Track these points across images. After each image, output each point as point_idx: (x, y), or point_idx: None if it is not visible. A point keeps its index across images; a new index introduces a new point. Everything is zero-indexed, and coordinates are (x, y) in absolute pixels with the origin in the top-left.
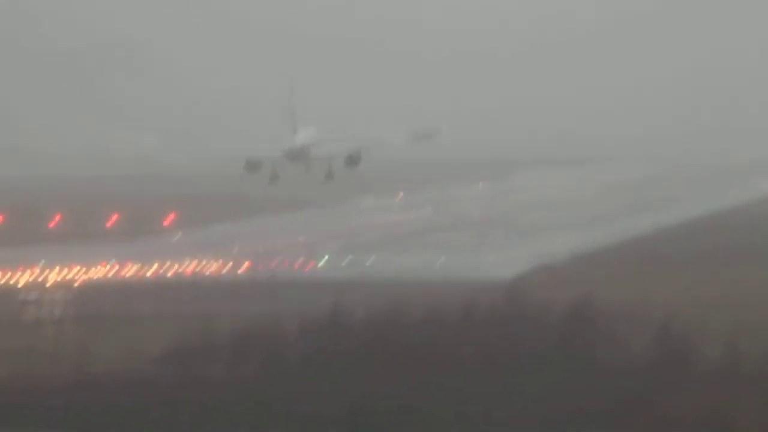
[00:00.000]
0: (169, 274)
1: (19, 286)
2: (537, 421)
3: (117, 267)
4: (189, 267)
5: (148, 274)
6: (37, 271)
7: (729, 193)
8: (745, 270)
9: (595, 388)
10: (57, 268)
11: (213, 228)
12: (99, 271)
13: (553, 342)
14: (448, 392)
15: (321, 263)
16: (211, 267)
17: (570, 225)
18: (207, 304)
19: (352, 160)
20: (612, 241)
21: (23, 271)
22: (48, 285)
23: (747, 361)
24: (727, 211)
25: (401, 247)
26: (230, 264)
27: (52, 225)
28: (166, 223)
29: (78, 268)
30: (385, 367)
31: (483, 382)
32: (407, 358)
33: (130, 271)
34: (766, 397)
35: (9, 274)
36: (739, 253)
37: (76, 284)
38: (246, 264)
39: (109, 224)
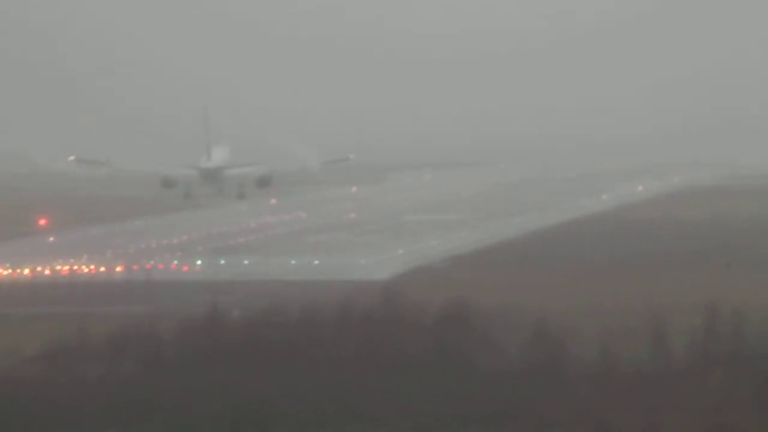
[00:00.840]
0: (45, 275)
1: None
2: (414, 423)
3: None
4: (65, 268)
5: (24, 274)
6: None
7: (601, 197)
8: (618, 273)
9: (471, 390)
10: None
11: (88, 229)
12: None
13: (429, 344)
14: (324, 393)
15: (197, 264)
16: (87, 268)
17: (446, 226)
18: (83, 305)
19: (263, 182)
20: (488, 243)
21: None
22: None
23: (622, 364)
24: (599, 214)
25: (277, 249)
26: (106, 265)
27: None
28: (41, 224)
29: None
30: (261, 367)
31: (359, 382)
32: (283, 359)
33: (4, 271)
34: (639, 400)
35: None
36: (613, 256)
37: None
38: (121, 265)
39: None
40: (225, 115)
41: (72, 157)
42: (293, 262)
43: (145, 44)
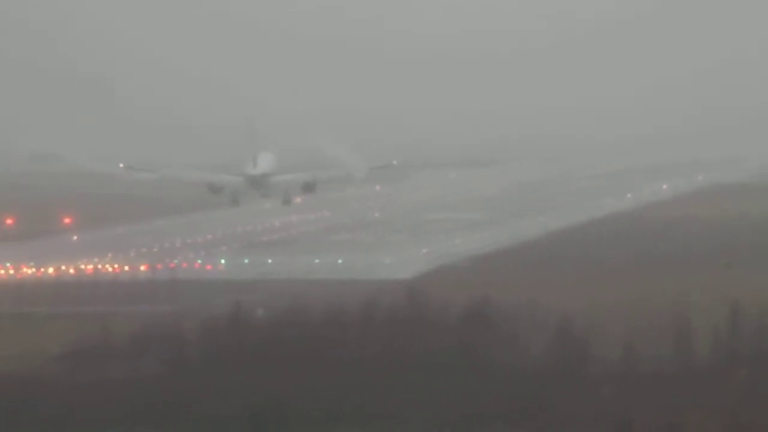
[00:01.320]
0: (69, 274)
1: None
2: (438, 421)
3: (14, 267)
4: (89, 266)
5: (49, 273)
6: None
7: (624, 196)
8: (640, 273)
9: (494, 388)
10: None
11: (112, 228)
12: None
13: (452, 342)
14: (348, 392)
15: (221, 263)
16: (111, 267)
17: (468, 226)
18: (107, 304)
19: (308, 187)
20: (511, 242)
21: None
22: None
23: (643, 363)
24: (620, 214)
25: (300, 248)
26: (130, 264)
27: None
28: (66, 222)
29: None
30: (286, 366)
31: (383, 381)
32: (308, 358)
33: (29, 270)
34: (662, 399)
35: None
36: (635, 256)
37: None
38: (146, 264)
39: (9, 223)
40: (267, 119)
41: (122, 165)
42: (317, 260)
43: (178, 50)
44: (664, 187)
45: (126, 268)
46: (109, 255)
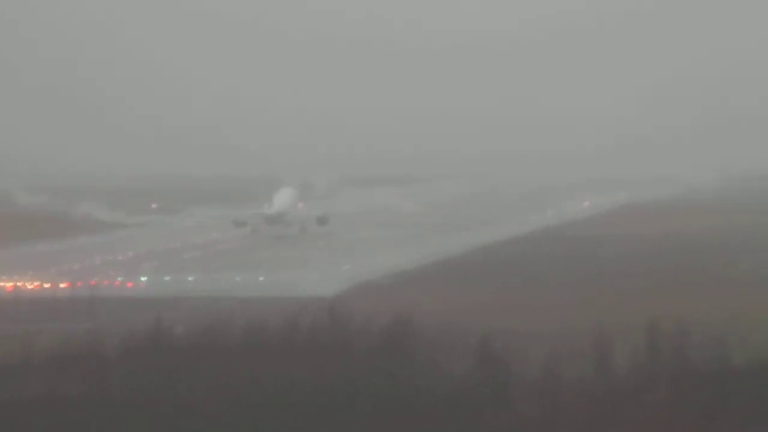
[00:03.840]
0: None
1: None
2: None
3: None
4: (8, 284)
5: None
6: None
7: (546, 212)
8: (562, 287)
9: (415, 405)
10: None
11: (31, 246)
12: None
13: (373, 359)
14: (269, 409)
15: (141, 281)
16: (30, 285)
17: (390, 242)
18: (26, 322)
19: (322, 221)
20: (432, 258)
21: None
22: None
23: (564, 378)
24: (543, 229)
25: (221, 265)
26: (50, 282)
27: None
28: None
29: None
30: (208, 383)
31: (305, 399)
32: (229, 375)
33: None
34: (584, 409)
35: None
36: (554, 267)
37: None
38: (65, 282)
39: None
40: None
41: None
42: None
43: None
44: (586, 204)
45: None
46: None
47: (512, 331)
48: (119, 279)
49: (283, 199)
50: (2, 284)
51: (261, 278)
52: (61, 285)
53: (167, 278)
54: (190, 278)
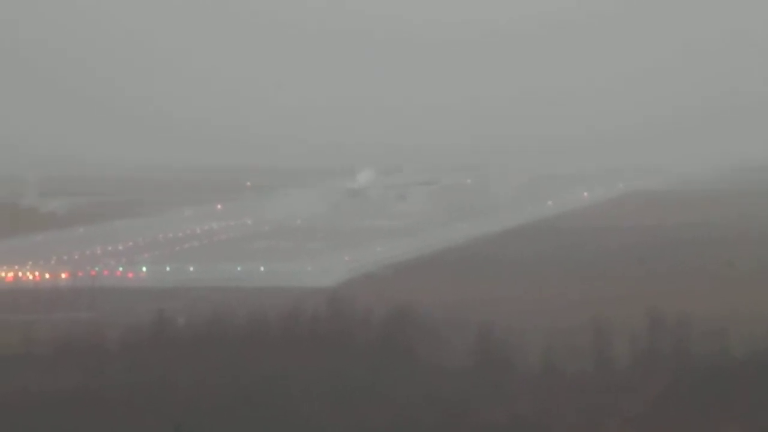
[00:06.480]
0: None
1: None
2: (358, 427)
3: None
4: (8, 275)
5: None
6: None
7: (545, 203)
8: (559, 276)
9: (416, 394)
10: None
11: (31, 236)
12: None
13: (374, 348)
14: (270, 397)
15: (142, 271)
16: (31, 275)
17: (391, 232)
18: (28, 312)
19: (401, 197)
20: (432, 249)
21: None
22: None
23: (563, 365)
24: (541, 220)
25: (222, 256)
26: (50, 272)
27: None
28: None
29: None
30: (208, 373)
31: (306, 388)
32: (230, 365)
33: None
34: (581, 402)
35: None
36: (552, 260)
37: None
38: (66, 272)
39: None
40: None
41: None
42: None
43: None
44: (585, 194)
45: None
46: None
47: (509, 321)
48: (120, 269)
49: (365, 175)
50: (2, 274)
51: (262, 268)
52: (62, 275)
53: (168, 268)
54: (191, 268)
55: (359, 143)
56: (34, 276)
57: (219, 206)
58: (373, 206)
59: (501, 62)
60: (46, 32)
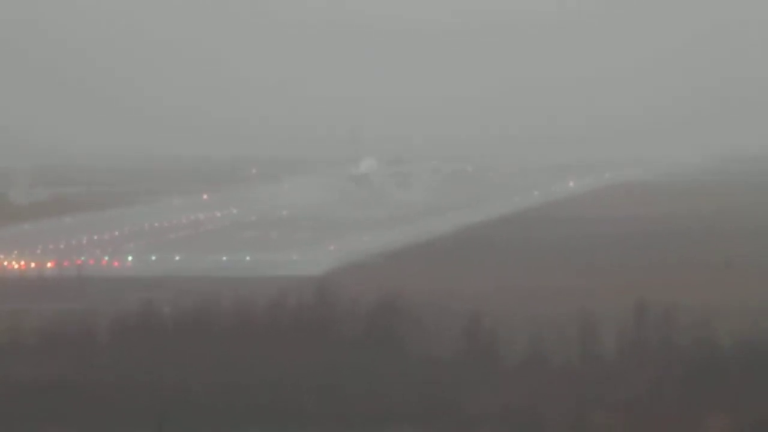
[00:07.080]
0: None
1: None
2: (346, 418)
3: None
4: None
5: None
6: None
7: (532, 193)
8: (549, 264)
9: (404, 383)
10: None
11: (17, 226)
12: None
13: (362, 339)
14: (257, 389)
15: (128, 261)
16: (17, 264)
17: (378, 222)
18: (13, 302)
19: (403, 185)
20: (420, 239)
21: None
22: None
23: (553, 355)
24: (529, 209)
25: (208, 245)
26: (36, 261)
27: None
28: None
29: None
30: (195, 363)
31: (292, 377)
32: (217, 355)
33: None
34: (571, 392)
35: None
36: (542, 248)
37: None
38: (52, 261)
39: None
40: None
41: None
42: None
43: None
44: (571, 184)
45: None
46: None
47: (498, 311)
48: (105, 258)
49: (367, 163)
50: None
51: (247, 258)
52: (48, 264)
53: (154, 257)
54: (177, 257)
55: (363, 135)
56: (20, 265)
57: (205, 196)
58: (376, 193)
59: (498, 55)
60: (37, 20)
